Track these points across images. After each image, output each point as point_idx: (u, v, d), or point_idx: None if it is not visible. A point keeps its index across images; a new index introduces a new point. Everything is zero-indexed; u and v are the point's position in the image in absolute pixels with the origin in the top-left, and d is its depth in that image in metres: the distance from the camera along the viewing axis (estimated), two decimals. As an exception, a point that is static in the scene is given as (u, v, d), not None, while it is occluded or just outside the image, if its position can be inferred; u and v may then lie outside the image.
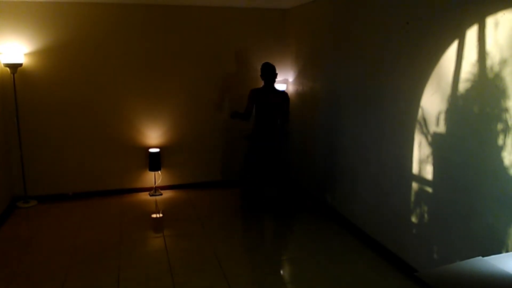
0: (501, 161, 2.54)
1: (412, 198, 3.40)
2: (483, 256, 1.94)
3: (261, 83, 4.93)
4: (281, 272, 3.70)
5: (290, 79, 5.87)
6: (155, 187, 5.64)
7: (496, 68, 2.54)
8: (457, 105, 2.88)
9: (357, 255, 3.88)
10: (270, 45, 5.85)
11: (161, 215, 5.03)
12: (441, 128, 3.03)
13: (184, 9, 5.44)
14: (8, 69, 4.83)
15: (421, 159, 3.26)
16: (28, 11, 4.91)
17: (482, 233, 2.71)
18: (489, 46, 2.59)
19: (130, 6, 5.23)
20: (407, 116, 3.40)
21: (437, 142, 3.10)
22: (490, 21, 2.57)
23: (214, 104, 5.75)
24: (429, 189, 3.19)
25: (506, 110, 2.49)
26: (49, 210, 5.03)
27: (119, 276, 3.51)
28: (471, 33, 2.71)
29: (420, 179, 3.29)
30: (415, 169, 3.35)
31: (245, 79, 5.83)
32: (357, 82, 4.16)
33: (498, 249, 2.57)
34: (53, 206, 5.13)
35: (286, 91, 5.04)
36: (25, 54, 4.97)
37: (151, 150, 5.50)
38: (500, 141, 2.54)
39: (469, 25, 2.73)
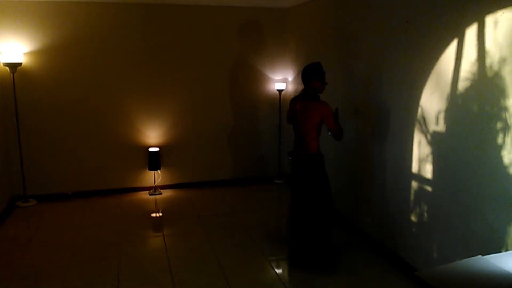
0: (500, 160, 2.54)
1: (412, 197, 3.40)
2: (483, 255, 1.94)
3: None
4: (279, 270, 3.70)
5: (290, 78, 5.87)
6: (155, 186, 5.64)
7: (496, 67, 2.54)
8: (456, 104, 2.87)
9: (356, 254, 3.88)
10: (270, 44, 5.85)
11: (160, 214, 5.03)
12: (441, 127, 3.03)
13: (184, 8, 5.43)
14: (7, 68, 4.82)
15: (421, 158, 3.26)
16: (27, 11, 4.90)
17: (482, 232, 2.71)
18: (489, 45, 2.59)
19: (130, 5, 5.23)
20: (406, 115, 3.40)
21: (436, 141, 3.10)
22: (489, 20, 2.57)
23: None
24: (429, 188, 3.19)
25: (506, 108, 2.49)
26: (49, 209, 5.02)
27: (118, 274, 3.51)
28: (471, 32, 2.71)
29: (420, 178, 3.29)
30: (414, 168, 3.35)
31: (244, 77, 5.84)
32: (356, 80, 4.16)
33: (498, 248, 2.57)
34: (52, 206, 5.12)
35: (323, 102, 3.55)
36: (24, 54, 4.96)
37: (151, 149, 5.50)
38: (499, 140, 2.54)
39: (469, 24, 2.72)
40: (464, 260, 1.94)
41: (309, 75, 3.55)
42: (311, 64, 3.61)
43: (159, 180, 5.68)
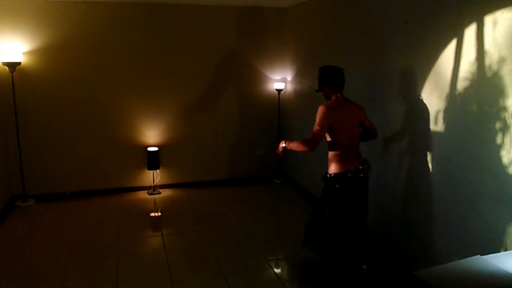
0: (499, 159, 2.54)
1: (410, 196, 3.39)
2: (481, 255, 1.94)
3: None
4: (278, 270, 3.70)
5: (289, 78, 5.86)
6: (154, 186, 5.64)
7: (495, 67, 2.54)
8: (455, 104, 2.88)
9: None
10: (269, 43, 5.85)
11: (159, 213, 5.03)
12: (440, 127, 3.03)
13: (184, 8, 5.43)
14: (6, 68, 4.81)
15: (420, 158, 3.26)
16: (27, 10, 4.89)
17: (480, 232, 2.72)
18: (488, 44, 2.59)
19: (129, 4, 5.22)
20: (405, 114, 3.39)
21: (435, 141, 3.10)
22: (488, 19, 2.57)
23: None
24: (428, 188, 3.19)
25: (505, 108, 2.49)
26: (48, 209, 5.02)
27: (117, 274, 3.51)
28: (470, 32, 2.71)
29: (419, 178, 3.28)
30: (413, 168, 3.34)
31: (244, 77, 5.84)
32: (355, 81, 4.15)
33: (497, 248, 2.57)
34: (51, 205, 5.12)
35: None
36: (23, 53, 4.96)
37: (150, 149, 5.49)
38: (498, 140, 2.54)
39: (468, 23, 2.72)
40: (463, 260, 1.94)
41: (343, 78, 3.21)
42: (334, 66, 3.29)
43: (158, 180, 5.68)
